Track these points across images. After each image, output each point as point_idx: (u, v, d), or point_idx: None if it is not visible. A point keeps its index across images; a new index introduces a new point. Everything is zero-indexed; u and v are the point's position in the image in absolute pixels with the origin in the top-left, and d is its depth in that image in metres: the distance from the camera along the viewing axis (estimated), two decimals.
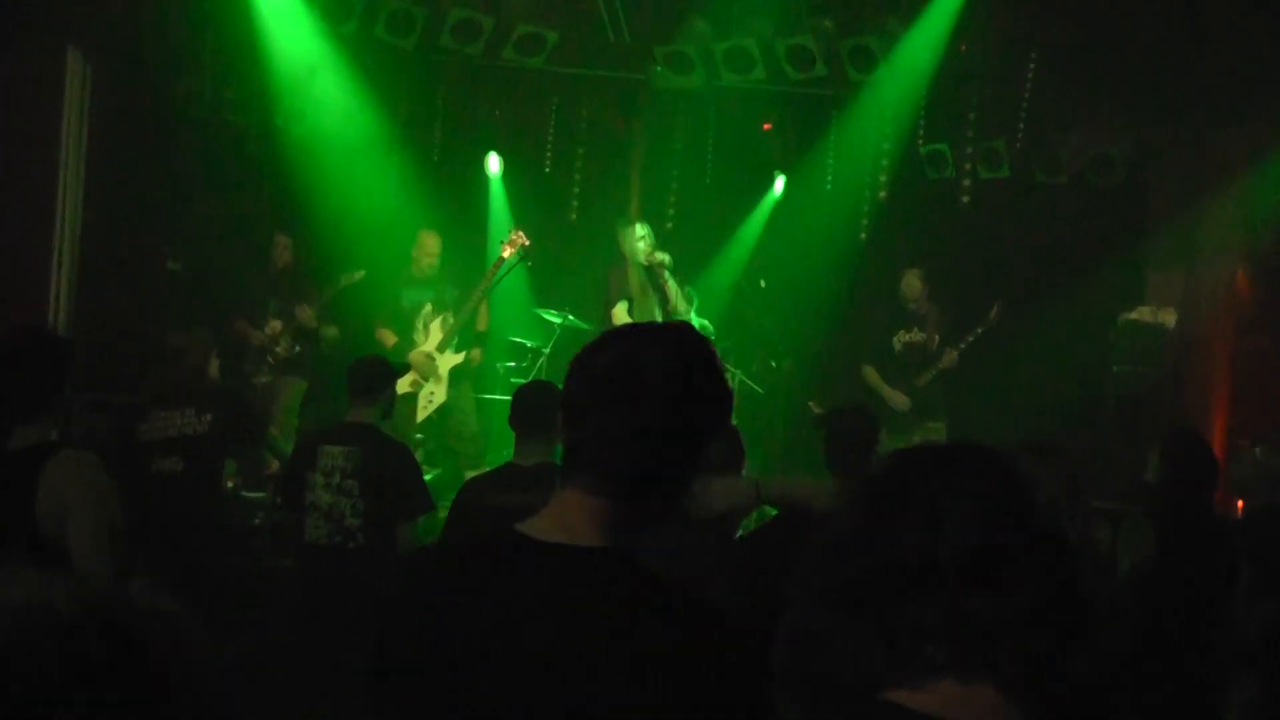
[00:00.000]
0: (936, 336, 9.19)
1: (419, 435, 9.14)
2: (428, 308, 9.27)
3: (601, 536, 1.97)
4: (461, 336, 9.20)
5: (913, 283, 9.28)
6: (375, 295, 9.63)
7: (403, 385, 8.57)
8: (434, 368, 9.14)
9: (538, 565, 1.95)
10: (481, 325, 9.41)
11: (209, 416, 6.09)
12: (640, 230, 9.02)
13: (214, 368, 7.00)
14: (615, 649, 1.83)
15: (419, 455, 8.26)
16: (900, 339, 9.27)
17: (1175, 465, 5.34)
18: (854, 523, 1.42)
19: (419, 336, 9.22)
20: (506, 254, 9.20)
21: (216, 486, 6.31)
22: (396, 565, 5.43)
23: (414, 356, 9.07)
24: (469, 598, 1.97)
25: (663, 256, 8.92)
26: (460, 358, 9.22)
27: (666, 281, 8.89)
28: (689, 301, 9.02)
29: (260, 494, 8.03)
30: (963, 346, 9.05)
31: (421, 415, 9.16)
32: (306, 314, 9.31)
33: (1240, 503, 9.27)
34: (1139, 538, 5.35)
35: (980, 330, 9.05)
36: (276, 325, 9.32)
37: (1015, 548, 1.34)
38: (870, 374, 9.25)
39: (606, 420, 2.00)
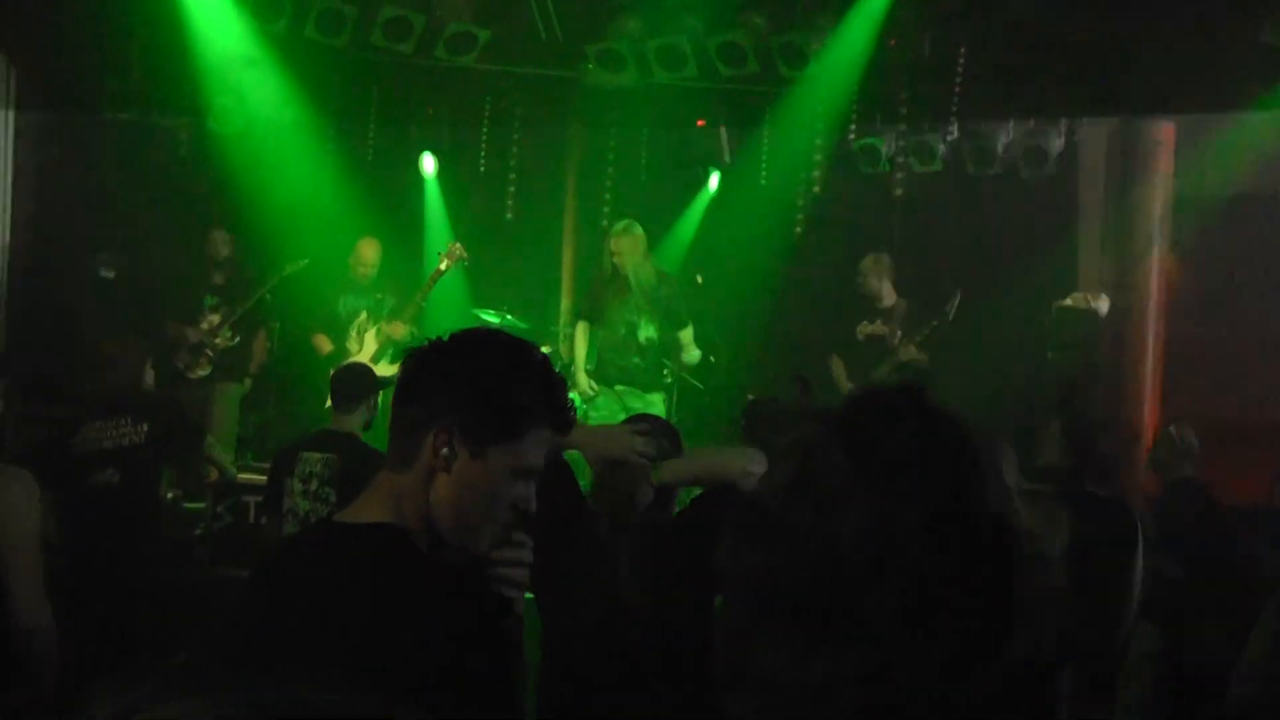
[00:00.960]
0: (899, 331, 9.19)
1: None
2: (363, 315, 9.22)
3: (386, 513, 2.11)
4: (395, 347, 9.15)
5: (870, 266, 9.29)
6: (314, 293, 9.56)
7: None
8: None
9: (323, 546, 2.16)
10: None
11: (145, 426, 6.05)
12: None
13: (150, 375, 6.92)
14: (367, 621, 1.97)
15: None
16: (863, 330, 9.27)
17: (1082, 451, 5.50)
18: (788, 520, 1.29)
19: (353, 345, 9.15)
20: (444, 266, 9.16)
21: (154, 498, 6.24)
22: None
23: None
24: (269, 583, 2.19)
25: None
26: (394, 369, 9.13)
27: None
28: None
29: (200, 505, 7.98)
30: (919, 340, 9.05)
31: None
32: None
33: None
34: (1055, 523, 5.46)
35: (936, 323, 9.05)
36: (214, 319, 9.21)
37: (958, 599, 1.24)
38: (836, 365, 9.27)
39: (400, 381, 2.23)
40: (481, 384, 2.12)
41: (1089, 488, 5.44)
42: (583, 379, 8.90)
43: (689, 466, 4.10)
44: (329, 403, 6.37)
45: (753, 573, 1.29)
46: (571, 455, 3.79)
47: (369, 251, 9.39)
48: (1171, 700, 6.06)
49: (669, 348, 9.01)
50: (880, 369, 9.04)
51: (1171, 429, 6.86)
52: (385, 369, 9.13)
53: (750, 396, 8.93)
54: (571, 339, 9.49)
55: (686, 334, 9.09)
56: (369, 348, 9.13)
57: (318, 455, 5.74)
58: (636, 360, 8.85)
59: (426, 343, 2.23)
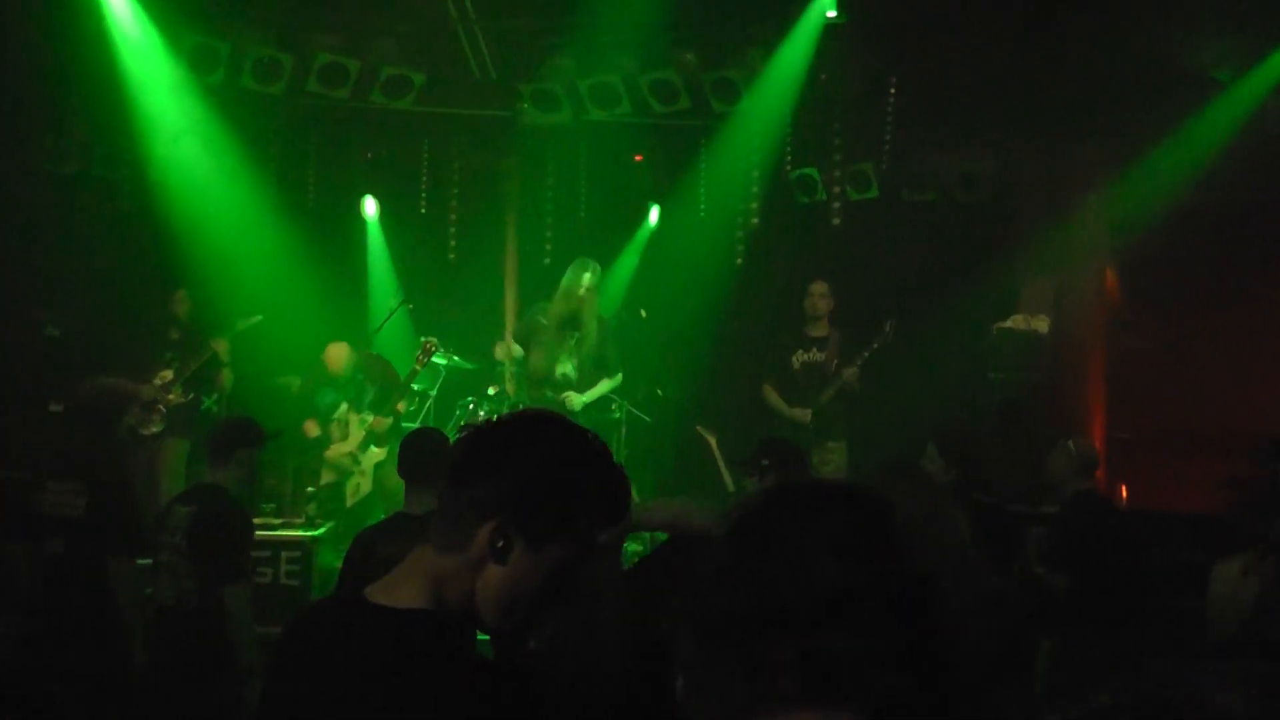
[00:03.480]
0: (835, 358, 9.16)
1: (309, 489, 9.03)
2: (343, 408, 9.24)
3: (423, 598, 2.07)
4: (377, 436, 9.24)
5: (814, 288, 9.25)
6: (269, 342, 9.57)
7: (327, 476, 9.05)
8: (357, 468, 9.16)
9: (357, 629, 2.07)
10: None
11: (84, 501, 5.76)
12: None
13: (126, 424, 6.77)
14: (386, 710, 1.93)
15: (311, 508, 8.27)
16: (799, 358, 9.24)
17: (963, 464, 5.70)
18: (724, 557, 1.44)
19: (337, 432, 9.19)
20: (420, 365, 9.17)
21: (99, 573, 6.00)
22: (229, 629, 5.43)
23: (337, 458, 9.14)
24: (301, 661, 2.10)
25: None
26: (383, 452, 9.19)
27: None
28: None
29: (149, 560, 7.92)
30: (859, 363, 9.03)
31: (350, 503, 9.15)
32: (222, 346, 9.23)
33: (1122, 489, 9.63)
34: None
35: (876, 345, 9.03)
36: (168, 375, 9.18)
37: (871, 590, 1.37)
38: (769, 393, 9.23)
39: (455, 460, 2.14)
40: (544, 477, 2.07)
41: (975, 495, 5.65)
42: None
43: (661, 513, 4.27)
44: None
45: (696, 607, 1.43)
46: None
47: (337, 354, 9.39)
48: (1067, 706, 6.14)
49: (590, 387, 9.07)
50: (825, 394, 9.04)
51: (1070, 443, 6.90)
52: (374, 455, 9.19)
53: (702, 432, 9.02)
54: (516, 379, 9.59)
55: (608, 384, 9.11)
56: (355, 438, 9.19)
57: (184, 509, 5.61)
58: (549, 395, 8.91)
59: (485, 420, 2.20)
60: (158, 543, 5.66)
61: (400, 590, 2.09)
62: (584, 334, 8.90)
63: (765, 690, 1.37)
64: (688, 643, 1.44)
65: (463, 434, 2.18)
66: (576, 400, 8.85)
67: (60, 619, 5.67)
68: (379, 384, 9.39)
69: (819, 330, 9.26)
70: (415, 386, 9.87)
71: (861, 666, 1.34)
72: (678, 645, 1.45)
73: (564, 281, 8.94)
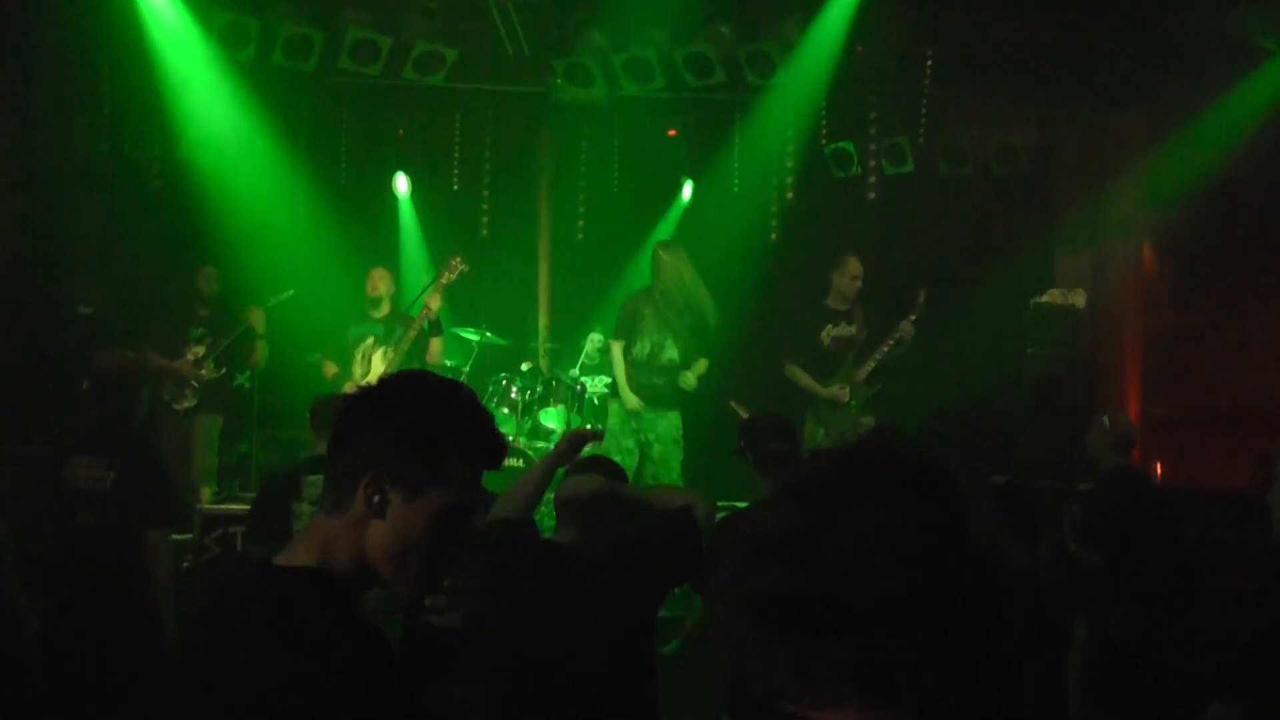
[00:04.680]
0: (865, 330, 9.01)
1: None
2: (369, 341, 9.07)
3: (313, 558, 2.14)
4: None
5: (855, 270, 8.96)
6: (301, 319, 9.55)
7: None
8: None
9: (245, 589, 2.21)
10: (432, 359, 9.18)
11: (112, 474, 5.79)
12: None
13: (145, 395, 6.79)
14: (261, 663, 2.01)
15: None
16: (829, 333, 9.03)
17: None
18: (776, 532, 1.36)
19: (358, 368, 8.98)
20: (445, 280, 8.97)
21: (132, 546, 6.01)
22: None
23: (350, 388, 8.98)
24: (203, 620, 2.28)
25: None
26: None
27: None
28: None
29: (188, 536, 7.95)
30: (908, 325, 8.84)
31: None
32: (258, 316, 9.19)
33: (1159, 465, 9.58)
34: None
35: (913, 318, 8.85)
36: (199, 350, 9.17)
37: (935, 592, 1.30)
38: (797, 372, 8.98)
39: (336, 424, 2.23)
40: (409, 429, 2.15)
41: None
42: (628, 397, 8.78)
43: (646, 494, 4.66)
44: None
45: (751, 587, 1.35)
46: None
47: (381, 276, 9.25)
48: (1100, 685, 6.12)
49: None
50: (863, 369, 8.86)
51: (1106, 419, 6.83)
52: None
53: (736, 407, 8.97)
54: (550, 354, 9.58)
55: (698, 366, 8.91)
56: (376, 369, 8.98)
57: (318, 478, 5.63)
58: (658, 381, 8.78)
59: (359, 389, 2.28)
60: (285, 512, 5.69)
61: (294, 552, 2.16)
62: (700, 313, 8.82)
63: (814, 686, 1.31)
64: (737, 620, 1.38)
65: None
66: (690, 379, 8.76)
67: (91, 592, 5.70)
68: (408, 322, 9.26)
69: (843, 304, 9.03)
70: (448, 363, 9.82)
71: (919, 669, 1.28)
72: (726, 619, 1.39)
73: (667, 267, 8.77)
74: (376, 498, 2.11)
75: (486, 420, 2.23)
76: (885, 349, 8.87)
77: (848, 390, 8.85)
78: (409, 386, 2.24)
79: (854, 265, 8.99)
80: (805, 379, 8.95)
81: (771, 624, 1.33)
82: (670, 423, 8.70)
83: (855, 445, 1.44)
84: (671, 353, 8.75)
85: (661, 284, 8.75)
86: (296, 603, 2.08)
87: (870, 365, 8.90)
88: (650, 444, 8.71)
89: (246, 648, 2.03)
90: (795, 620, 1.31)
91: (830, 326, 9.02)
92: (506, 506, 4.06)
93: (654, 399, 8.69)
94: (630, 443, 8.69)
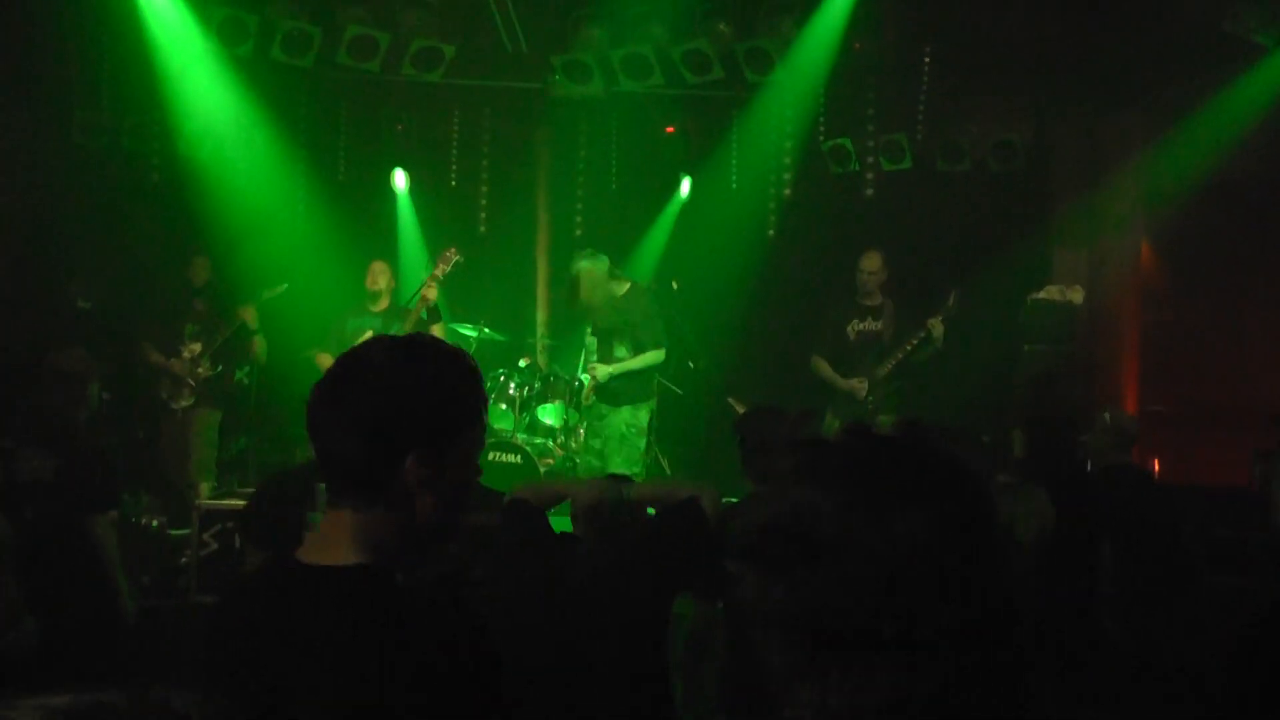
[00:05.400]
0: (894, 327, 8.98)
1: None
2: (367, 335, 9.05)
3: (359, 553, 2.04)
4: None
5: (868, 264, 8.98)
6: (300, 314, 9.56)
7: None
8: None
9: (304, 590, 2.04)
10: None
11: (52, 464, 5.86)
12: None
13: (94, 391, 6.76)
14: (365, 665, 1.92)
15: None
16: (854, 328, 9.04)
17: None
18: (834, 536, 1.31)
19: None
20: (440, 272, 9.01)
21: (78, 534, 6.02)
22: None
23: None
24: (250, 629, 2.06)
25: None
26: None
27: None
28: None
29: (185, 531, 7.95)
30: (942, 318, 8.76)
31: None
32: (250, 313, 9.18)
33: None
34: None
35: (942, 318, 8.76)
36: (195, 348, 9.17)
37: (955, 615, 1.28)
38: (820, 364, 9.03)
39: (325, 418, 2.08)
40: (432, 397, 2.08)
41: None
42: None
43: (653, 489, 4.59)
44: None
45: (805, 605, 1.31)
46: None
47: (380, 268, 9.29)
48: (1096, 682, 6.12)
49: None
50: (884, 366, 8.84)
51: (1106, 415, 6.83)
52: None
53: (734, 404, 8.97)
54: (548, 350, 9.58)
55: (652, 356, 8.73)
56: None
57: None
58: (611, 385, 8.74)
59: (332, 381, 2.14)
60: (297, 521, 5.66)
61: (331, 551, 2.06)
62: (595, 317, 8.77)
63: (832, 698, 1.30)
64: (761, 631, 1.36)
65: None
66: (603, 371, 8.74)
67: (42, 581, 5.70)
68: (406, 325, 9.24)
69: (873, 300, 9.05)
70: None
71: (939, 691, 1.27)
72: (775, 629, 1.35)
73: (584, 278, 8.63)
74: (426, 471, 2.05)
75: (463, 359, 2.18)
76: (909, 347, 8.84)
77: (866, 385, 8.86)
78: (390, 359, 2.11)
79: (867, 260, 9.02)
80: (827, 371, 9.02)
81: (827, 642, 1.30)
82: (620, 418, 8.64)
83: (885, 446, 1.40)
84: (620, 352, 8.73)
85: (586, 296, 8.63)
86: (385, 602, 2.00)
87: (891, 363, 8.88)
88: (606, 440, 8.68)
89: (340, 654, 1.94)
90: (808, 634, 1.29)
91: (856, 321, 9.06)
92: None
93: (605, 397, 8.69)
94: (596, 443, 8.72)
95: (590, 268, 8.53)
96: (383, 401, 2.05)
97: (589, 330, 9.05)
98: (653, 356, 8.66)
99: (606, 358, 8.73)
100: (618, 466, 8.45)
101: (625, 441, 8.58)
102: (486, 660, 2.00)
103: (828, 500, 1.32)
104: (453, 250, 9.04)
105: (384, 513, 2.06)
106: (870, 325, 9.03)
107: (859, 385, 8.88)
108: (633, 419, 8.61)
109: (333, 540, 2.07)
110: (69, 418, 6.21)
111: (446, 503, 2.10)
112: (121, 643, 5.87)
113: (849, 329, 9.05)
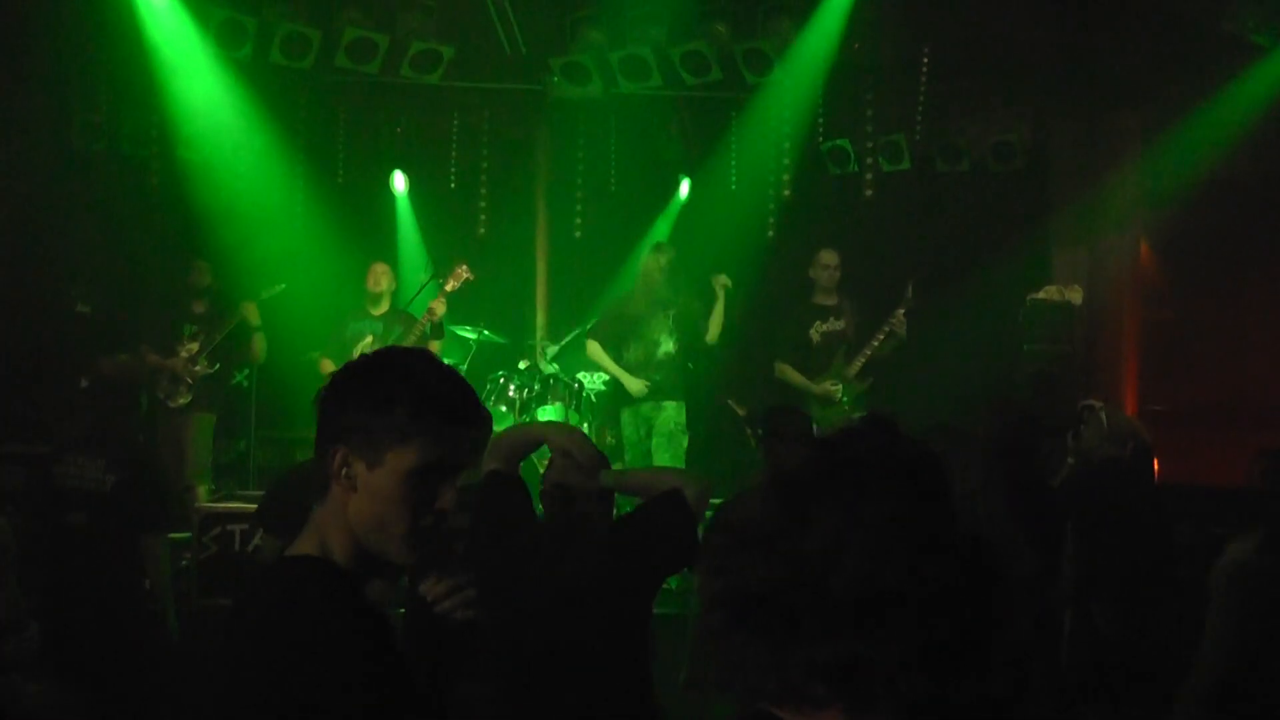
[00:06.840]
0: (854, 324, 8.97)
1: None
2: (368, 339, 9.04)
3: (310, 545, 2.17)
4: None
5: (828, 259, 9.00)
6: (299, 317, 9.55)
7: None
8: None
9: (256, 582, 2.26)
10: None
11: (113, 478, 5.81)
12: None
13: (143, 400, 6.79)
14: (267, 655, 2.03)
15: None
16: (818, 329, 9.00)
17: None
18: (755, 526, 1.33)
19: None
20: (450, 288, 9.05)
21: (128, 548, 6.02)
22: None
23: None
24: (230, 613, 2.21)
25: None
26: None
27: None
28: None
29: (186, 535, 7.94)
30: (899, 317, 8.82)
31: None
32: (251, 309, 9.18)
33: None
34: None
35: (903, 311, 8.82)
36: (193, 346, 9.15)
37: (916, 588, 1.26)
38: (787, 370, 8.95)
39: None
40: (362, 394, 2.14)
41: None
42: (630, 381, 8.75)
43: (631, 478, 4.67)
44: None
45: (731, 582, 1.33)
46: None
47: (382, 270, 9.29)
48: (1084, 678, 6.12)
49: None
50: (854, 365, 8.82)
51: (1102, 413, 6.81)
52: None
53: (733, 405, 8.95)
54: (548, 354, 9.60)
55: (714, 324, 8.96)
56: None
57: None
58: (656, 377, 8.75)
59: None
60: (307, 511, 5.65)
61: (298, 543, 2.19)
62: (680, 307, 8.84)
63: (793, 688, 1.30)
64: (715, 616, 1.36)
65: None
66: (713, 332, 8.92)
67: (83, 592, 5.70)
68: (409, 334, 9.26)
69: (831, 299, 9.05)
70: (445, 361, 9.78)
71: (900, 672, 1.25)
72: (711, 614, 1.36)
73: (642, 267, 8.90)
74: (345, 471, 2.12)
75: (443, 375, 2.19)
76: (876, 343, 8.84)
77: (840, 387, 8.84)
78: (369, 364, 2.21)
79: (825, 255, 9.05)
80: (796, 377, 8.93)
81: (749, 622, 1.30)
82: (668, 414, 8.69)
83: (840, 436, 1.40)
84: (667, 346, 8.75)
85: (647, 284, 8.82)
86: (297, 590, 2.09)
87: (861, 360, 8.87)
88: (651, 435, 8.70)
89: (254, 640, 2.06)
90: (773, 619, 1.28)
91: (819, 323, 9.01)
92: (494, 455, 4.12)
93: (653, 392, 8.70)
94: (634, 435, 8.73)
95: (673, 258, 8.79)
96: (329, 400, 2.18)
97: (588, 330, 9.06)
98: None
99: (651, 355, 8.75)
100: (664, 463, 8.48)
101: (673, 439, 8.63)
102: (375, 660, 2.05)
103: (767, 496, 1.36)
104: (464, 268, 9.06)
105: (329, 509, 2.16)
106: (833, 325, 9.00)
107: (832, 388, 8.83)
108: (678, 415, 8.67)
109: (304, 534, 2.20)
110: (123, 427, 6.22)
111: (373, 518, 2.14)
112: (166, 662, 5.85)
113: (811, 332, 9.01)
